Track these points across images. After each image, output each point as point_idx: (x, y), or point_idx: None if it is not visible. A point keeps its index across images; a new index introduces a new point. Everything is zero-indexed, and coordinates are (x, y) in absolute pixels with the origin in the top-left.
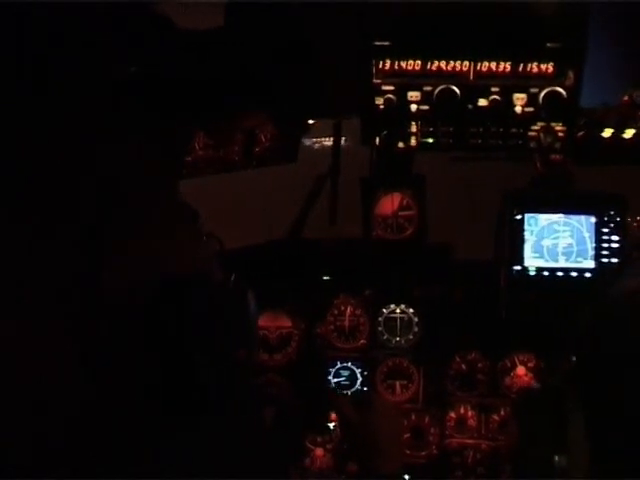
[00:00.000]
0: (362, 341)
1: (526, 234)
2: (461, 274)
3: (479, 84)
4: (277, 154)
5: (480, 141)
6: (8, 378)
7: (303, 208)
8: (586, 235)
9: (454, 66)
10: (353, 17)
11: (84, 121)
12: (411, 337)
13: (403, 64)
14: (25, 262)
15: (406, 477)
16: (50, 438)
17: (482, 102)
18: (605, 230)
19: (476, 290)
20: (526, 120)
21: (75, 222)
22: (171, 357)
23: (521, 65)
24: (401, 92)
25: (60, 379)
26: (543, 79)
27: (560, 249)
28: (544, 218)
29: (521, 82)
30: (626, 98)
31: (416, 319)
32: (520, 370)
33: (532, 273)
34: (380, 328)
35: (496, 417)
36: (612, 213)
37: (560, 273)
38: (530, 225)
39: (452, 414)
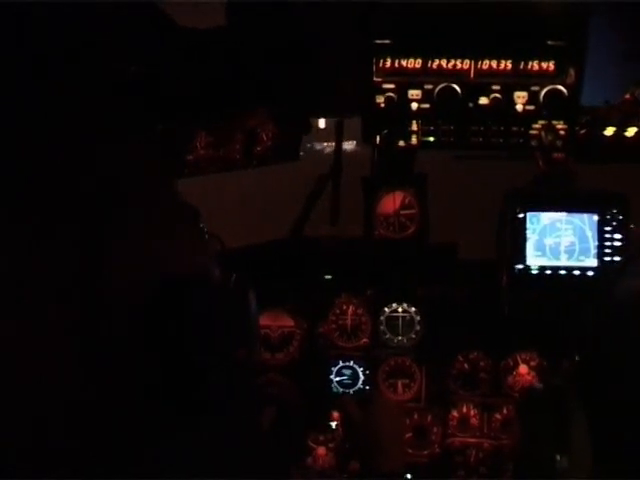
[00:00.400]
0: (364, 340)
1: (528, 233)
2: (463, 273)
3: (480, 82)
4: (278, 153)
5: (481, 139)
6: (8, 378)
7: (305, 207)
8: (588, 233)
9: (455, 64)
10: (353, 16)
11: (84, 121)
12: (413, 336)
13: (404, 62)
14: (25, 262)
15: (408, 476)
16: (50, 438)
17: (483, 100)
18: (607, 228)
19: (478, 289)
20: (527, 118)
21: (75, 222)
22: (171, 357)
23: (522, 63)
24: (402, 90)
25: (60, 379)
26: (544, 77)
27: (562, 248)
28: (546, 216)
29: (522, 80)
30: (628, 96)
31: (418, 318)
32: (523, 369)
33: (534, 272)
34: (382, 327)
35: (499, 416)
36: (614, 211)
37: (562, 272)
38: (532, 223)
39: (454, 413)
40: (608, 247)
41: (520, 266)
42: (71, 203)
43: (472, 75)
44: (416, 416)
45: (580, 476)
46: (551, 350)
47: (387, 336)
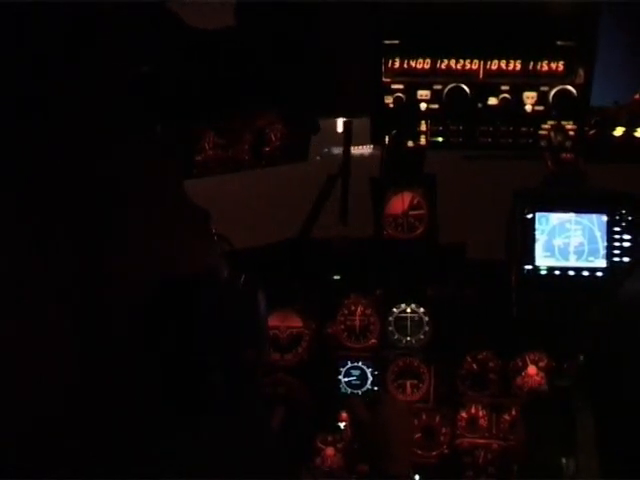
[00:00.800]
0: (373, 341)
1: (537, 233)
2: (472, 273)
3: (489, 82)
4: (287, 153)
5: (490, 140)
6: (8, 378)
7: (314, 207)
8: (597, 234)
9: (464, 64)
10: (363, 16)
11: (84, 121)
12: (422, 337)
13: (413, 63)
14: (25, 262)
15: (417, 477)
16: (50, 438)
17: (492, 101)
18: (617, 229)
19: (487, 289)
20: (536, 119)
21: (75, 222)
22: (171, 357)
23: (531, 63)
24: (411, 91)
25: (60, 379)
26: (553, 77)
27: (571, 248)
28: (555, 217)
29: (531, 80)
30: (637, 96)
31: (427, 318)
32: (531, 370)
33: (543, 272)
34: (391, 328)
35: (507, 417)
36: (624, 212)
37: (571, 272)
38: (541, 224)
39: (463, 414)
40: (617, 248)
41: (529, 267)
42: (71, 203)
43: (481, 75)
44: (425, 417)
45: (587, 478)
46: (560, 351)
47: (396, 336)
